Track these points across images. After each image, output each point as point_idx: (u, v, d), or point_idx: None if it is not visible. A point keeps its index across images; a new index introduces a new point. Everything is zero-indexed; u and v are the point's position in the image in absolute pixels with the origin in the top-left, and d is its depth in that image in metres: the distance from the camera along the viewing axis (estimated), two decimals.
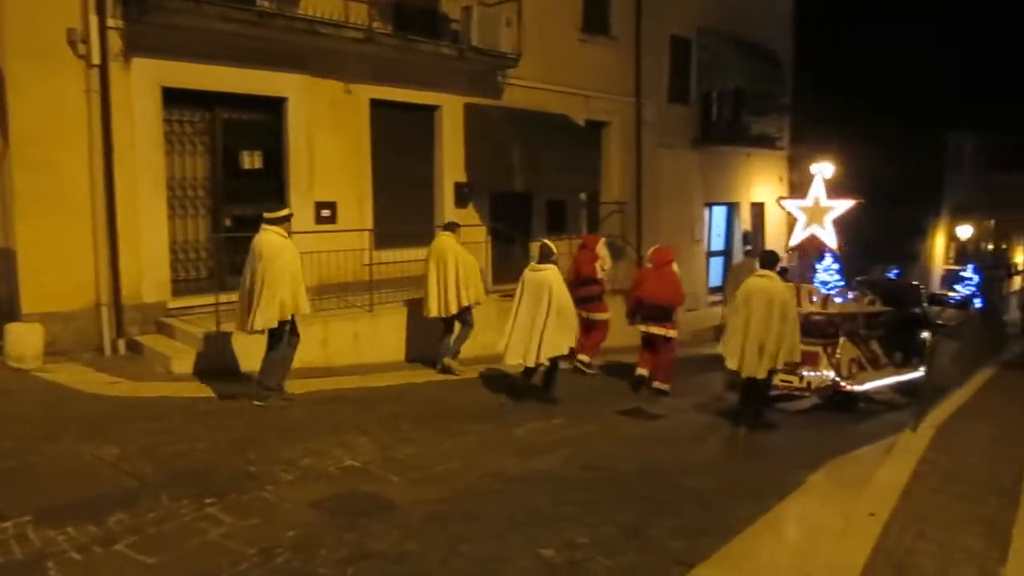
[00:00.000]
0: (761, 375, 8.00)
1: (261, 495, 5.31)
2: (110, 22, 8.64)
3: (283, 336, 7.41)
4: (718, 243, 19.35)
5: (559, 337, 8.17)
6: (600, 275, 10.42)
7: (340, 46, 10.30)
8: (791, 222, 12.10)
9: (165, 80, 9.14)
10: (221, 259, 9.65)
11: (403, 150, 11.93)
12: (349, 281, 10.43)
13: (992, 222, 37.52)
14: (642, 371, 9.67)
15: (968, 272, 28.60)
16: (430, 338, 10.24)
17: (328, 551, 4.48)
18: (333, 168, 10.87)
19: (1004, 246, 40.14)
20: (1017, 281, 27.98)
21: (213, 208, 9.90)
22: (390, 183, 11.60)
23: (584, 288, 10.25)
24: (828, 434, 8.48)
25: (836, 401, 9.60)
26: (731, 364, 8.12)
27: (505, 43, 12.07)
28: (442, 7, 11.91)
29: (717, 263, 19.42)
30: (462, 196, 12.58)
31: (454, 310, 9.26)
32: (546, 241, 8.89)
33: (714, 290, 18.80)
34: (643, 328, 9.62)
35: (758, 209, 20.40)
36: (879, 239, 18.57)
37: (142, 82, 8.97)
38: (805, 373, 9.19)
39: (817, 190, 11.17)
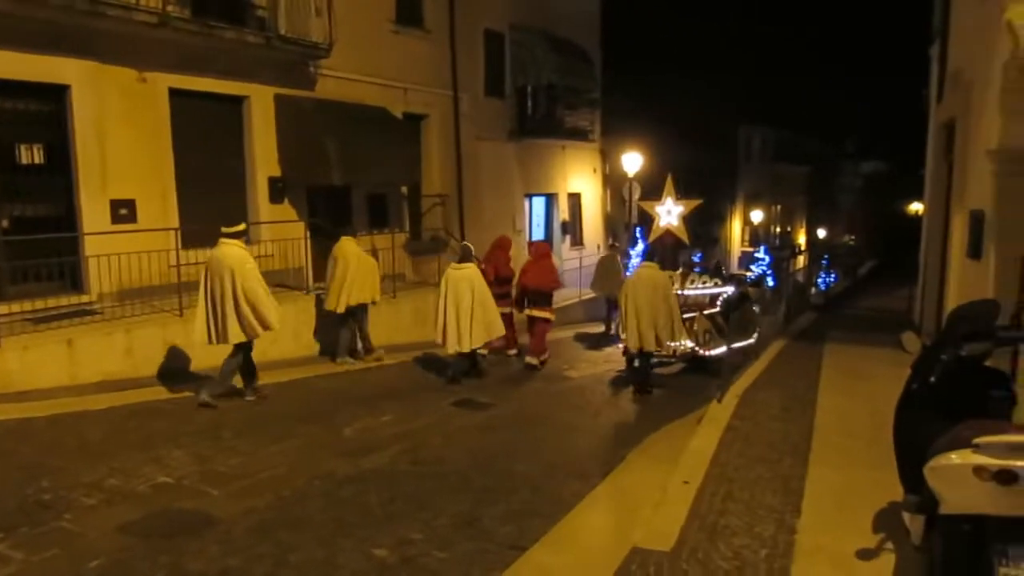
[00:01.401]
0: (651, 347, 9.64)
1: (59, 524, 4.86)
2: None
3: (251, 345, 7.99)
4: (539, 232, 19.94)
5: (481, 329, 9.60)
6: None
7: (131, 30, 9.54)
8: (646, 219, 13.83)
9: None
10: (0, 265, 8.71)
11: (210, 143, 11.32)
12: (155, 284, 9.80)
13: (778, 207, 41.58)
14: (531, 359, 11.00)
15: (761, 253, 31.57)
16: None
17: None
18: (130, 163, 10.09)
19: (788, 228, 44.54)
20: (800, 260, 30.97)
21: None
22: (197, 178, 10.96)
23: (502, 287, 11.29)
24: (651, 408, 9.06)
25: (697, 364, 11.26)
26: (631, 344, 9.68)
27: (315, 32, 11.75)
28: None
29: None
30: (276, 191, 12.11)
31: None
32: (467, 243, 10.50)
33: None
34: (528, 312, 11.17)
35: (575, 199, 21.20)
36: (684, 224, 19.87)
37: None
38: (671, 343, 10.43)
39: (669, 193, 12.87)
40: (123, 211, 10.04)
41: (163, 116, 10.45)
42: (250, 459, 6.31)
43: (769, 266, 28.37)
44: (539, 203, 19.97)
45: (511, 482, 5.96)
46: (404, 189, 14.84)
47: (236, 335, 7.69)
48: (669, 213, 12.80)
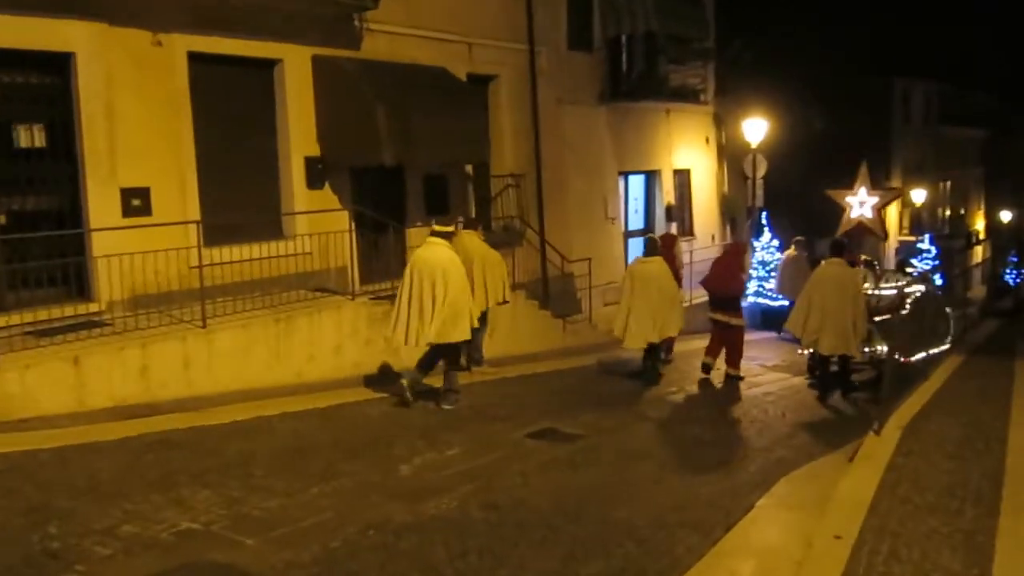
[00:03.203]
0: (846, 351, 11.43)
1: None
2: None
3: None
4: (636, 221, 19.87)
5: (672, 324, 11.76)
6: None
7: None
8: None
9: None
10: None
11: (237, 118, 11.61)
12: (173, 290, 10.11)
13: (946, 184, 40.18)
14: (707, 359, 12.60)
15: (925, 243, 30.62)
16: (284, 357, 10.15)
17: None
18: (143, 144, 10.44)
19: (961, 211, 43.03)
20: (978, 252, 30.01)
21: None
22: (222, 161, 11.27)
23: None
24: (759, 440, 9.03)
25: (874, 379, 12.10)
26: (823, 348, 11.48)
27: None
28: None
29: (637, 245, 19.76)
30: (315, 174, 12.38)
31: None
32: (652, 235, 12.14)
33: None
34: (711, 316, 12.73)
35: (683, 178, 21.03)
36: (820, 207, 19.61)
37: None
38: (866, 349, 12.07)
39: (863, 182, 14.96)
40: (136, 202, 10.38)
41: (181, 87, 10.78)
42: (290, 502, 6.46)
43: (936, 260, 27.44)
44: (637, 183, 19.90)
45: (609, 533, 5.98)
46: (469, 168, 14.95)
47: (436, 336, 9.31)
48: (862, 204, 14.66)
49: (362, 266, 12.35)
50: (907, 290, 12.90)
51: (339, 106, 12.20)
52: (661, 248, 12.97)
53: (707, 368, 12.60)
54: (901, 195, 14.74)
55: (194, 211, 10.75)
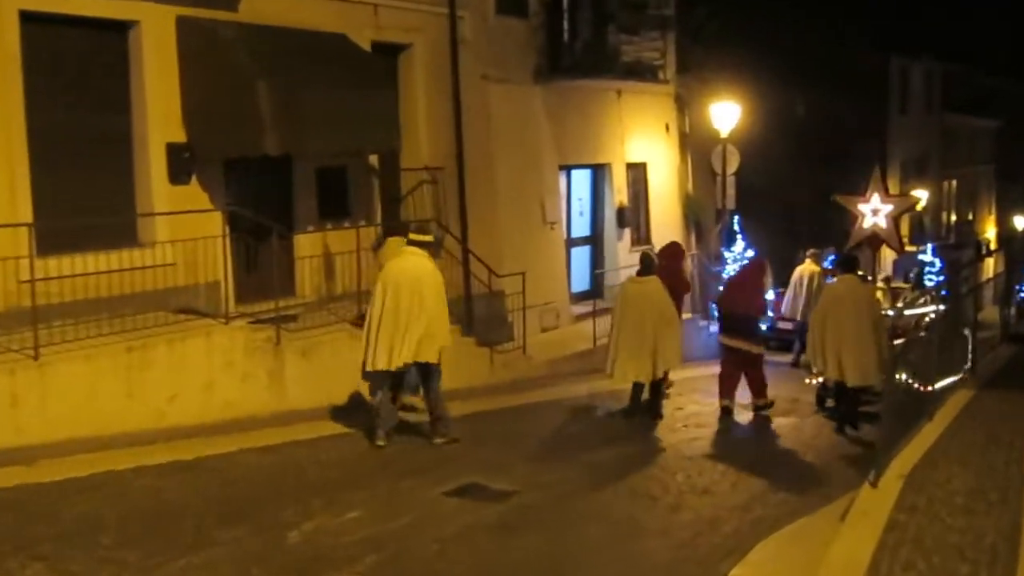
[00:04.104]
0: (864, 381, 11.91)
1: None
2: None
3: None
4: (582, 226, 19.87)
5: (672, 354, 12.25)
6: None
7: None
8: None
9: None
10: None
11: (82, 94, 11.45)
12: None
13: (952, 183, 41.19)
14: (725, 402, 13.09)
15: (928, 255, 31.19)
16: (139, 396, 10.05)
17: None
18: None
19: (970, 216, 44.08)
20: (990, 264, 30.74)
21: None
22: (61, 149, 11.10)
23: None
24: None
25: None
26: (831, 373, 12.15)
27: None
28: None
29: (583, 256, 20.03)
30: (180, 164, 12.21)
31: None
32: (649, 249, 12.47)
33: (581, 297, 19.34)
34: (726, 341, 13.29)
35: (638, 173, 21.04)
36: (803, 209, 20.00)
37: None
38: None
39: (876, 188, 15.67)
40: None
41: (11, 53, 10.55)
42: None
43: (941, 274, 28.04)
44: (582, 179, 19.95)
45: None
46: (374, 160, 14.89)
47: (412, 354, 9.99)
48: (876, 213, 15.41)
49: (239, 281, 12.19)
50: (925, 310, 13.83)
51: (211, 81, 12.06)
52: (665, 262, 13.41)
53: (728, 411, 13.00)
54: (917, 203, 16.58)
55: (25, 211, 10.56)
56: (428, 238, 10.72)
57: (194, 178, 12.37)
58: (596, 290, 19.38)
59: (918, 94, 37.04)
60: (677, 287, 13.26)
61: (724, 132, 19.70)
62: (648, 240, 20.82)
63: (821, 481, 9.91)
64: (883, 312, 12.52)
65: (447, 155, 15.95)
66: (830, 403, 13.04)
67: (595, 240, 20.25)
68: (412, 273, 10.17)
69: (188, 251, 11.50)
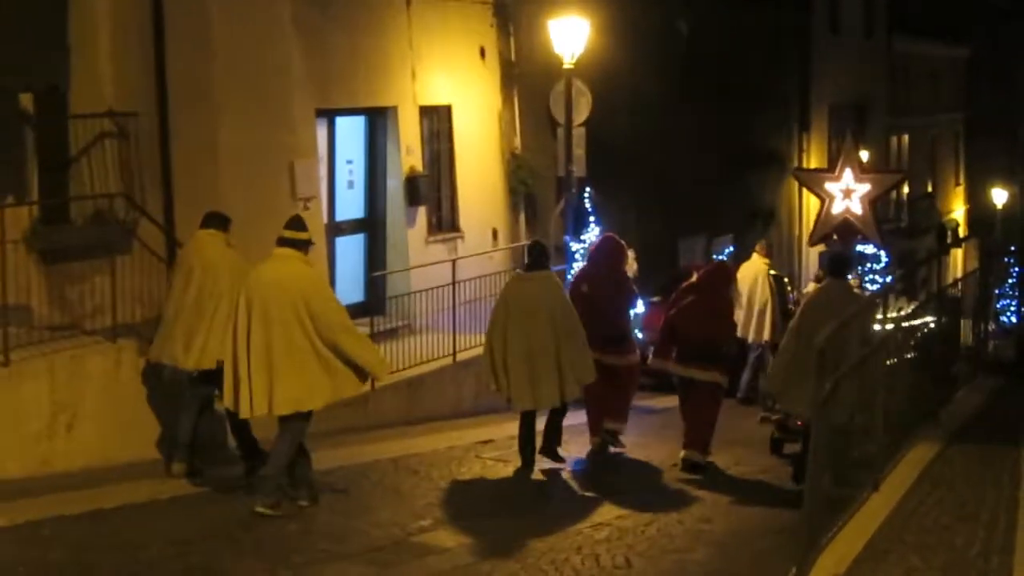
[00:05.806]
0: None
1: None
2: None
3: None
4: (352, 204, 16.87)
5: (574, 377, 11.33)
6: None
7: None
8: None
9: None
10: None
11: None
12: None
13: (903, 138, 36.69)
14: (690, 453, 11.92)
15: (869, 246, 27.68)
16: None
17: None
18: None
19: (929, 187, 39.29)
20: (958, 257, 26.96)
21: None
22: None
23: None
24: None
25: None
26: (795, 407, 11.32)
27: None
28: None
29: (353, 249, 17.08)
30: None
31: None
32: (540, 239, 13.53)
33: (352, 312, 17.55)
34: (682, 372, 12.20)
35: (438, 121, 18.00)
36: (687, 178, 18.30)
37: None
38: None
39: (848, 163, 14.56)
40: None
41: None
42: None
43: (887, 271, 25.31)
44: (351, 131, 16.80)
45: None
46: (27, 100, 12.89)
47: (302, 400, 9.04)
48: (848, 195, 14.76)
49: None
50: (913, 323, 13.02)
51: None
52: (611, 258, 12.78)
53: (695, 467, 11.91)
54: (903, 180, 15.48)
55: None
56: (305, 236, 9.62)
57: None
58: (374, 302, 16.45)
59: (855, 9, 32.70)
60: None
61: (569, 61, 16.71)
62: (455, 226, 18.14)
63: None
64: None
65: (144, 95, 13.57)
66: (790, 448, 12.00)
67: (372, 225, 17.11)
68: (284, 285, 9.32)
69: None
